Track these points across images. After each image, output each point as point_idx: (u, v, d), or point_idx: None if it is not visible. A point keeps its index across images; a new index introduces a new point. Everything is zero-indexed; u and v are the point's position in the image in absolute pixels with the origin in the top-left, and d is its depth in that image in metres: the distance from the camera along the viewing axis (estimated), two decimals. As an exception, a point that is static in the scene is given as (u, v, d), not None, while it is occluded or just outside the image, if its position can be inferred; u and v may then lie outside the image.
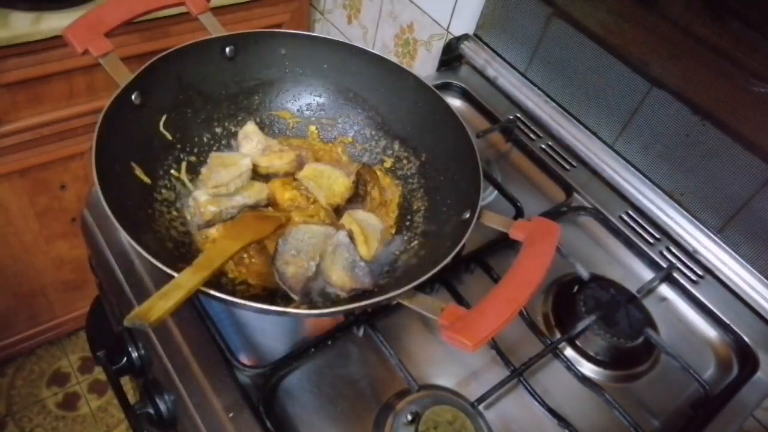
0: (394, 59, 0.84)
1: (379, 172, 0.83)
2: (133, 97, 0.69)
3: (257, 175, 0.78)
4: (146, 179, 0.70)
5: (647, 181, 0.94)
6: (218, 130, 0.81)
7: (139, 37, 1.20)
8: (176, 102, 0.76)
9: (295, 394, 0.67)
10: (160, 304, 0.50)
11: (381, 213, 0.79)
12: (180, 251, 0.67)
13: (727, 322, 0.83)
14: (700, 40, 0.81)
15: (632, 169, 0.96)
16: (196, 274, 0.55)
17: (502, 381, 0.70)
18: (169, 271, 0.55)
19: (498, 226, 0.67)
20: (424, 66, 1.30)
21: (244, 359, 0.68)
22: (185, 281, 0.54)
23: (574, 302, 0.78)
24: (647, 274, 0.88)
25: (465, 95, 1.08)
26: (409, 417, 0.64)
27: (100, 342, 0.88)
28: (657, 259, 0.89)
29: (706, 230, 0.89)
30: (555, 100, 1.04)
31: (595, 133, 1.00)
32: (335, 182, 0.78)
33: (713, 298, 0.85)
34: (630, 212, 0.94)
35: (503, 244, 0.82)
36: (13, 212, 1.32)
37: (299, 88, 0.86)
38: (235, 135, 0.82)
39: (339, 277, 0.67)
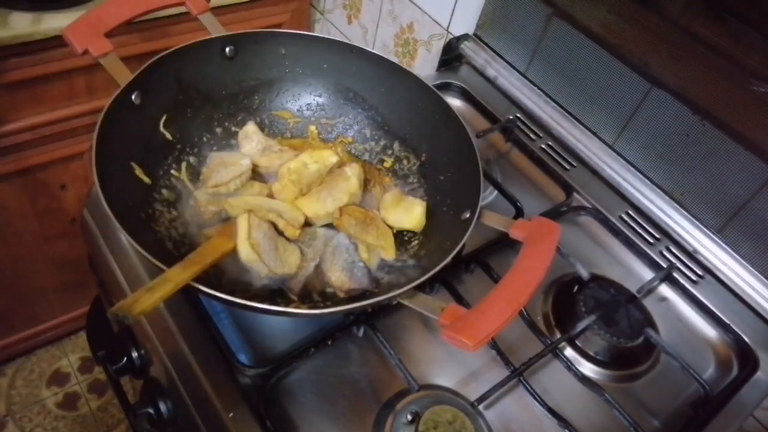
0: (394, 59, 0.84)
1: (379, 172, 0.83)
2: (133, 97, 0.69)
3: (257, 175, 0.78)
4: (146, 179, 0.70)
5: (647, 181, 0.94)
6: (218, 130, 0.81)
7: (139, 37, 1.20)
8: (176, 102, 0.76)
9: (295, 394, 0.67)
10: (145, 297, 0.50)
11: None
12: (180, 251, 0.67)
13: (727, 322, 0.83)
14: (700, 40, 0.81)
15: (632, 169, 0.96)
16: (186, 270, 0.54)
17: (502, 381, 0.70)
18: (165, 269, 0.55)
19: (498, 225, 0.67)
20: (424, 66, 1.30)
21: (244, 359, 0.68)
22: (174, 276, 0.53)
23: (574, 302, 0.78)
24: (647, 274, 0.88)
25: (465, 95, 1.08)
26: (409, 417, 0.64)
27: (100, 342, 0.88)
28: (657, 259, 0.89)
29: (706, 230, 0.89)
30: (555, 100, 1.04)
31: (595, 133, 1.00)
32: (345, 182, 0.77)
33: (713, 298, 0.85)
34: (630, 212, 0.94)
35: (503, 244, 0.82)
36: (13, 212, 1.32)
37: (299, 88, 0.86)
38: (235, 135, 0.82)
39: (338, 278, 0.67)
